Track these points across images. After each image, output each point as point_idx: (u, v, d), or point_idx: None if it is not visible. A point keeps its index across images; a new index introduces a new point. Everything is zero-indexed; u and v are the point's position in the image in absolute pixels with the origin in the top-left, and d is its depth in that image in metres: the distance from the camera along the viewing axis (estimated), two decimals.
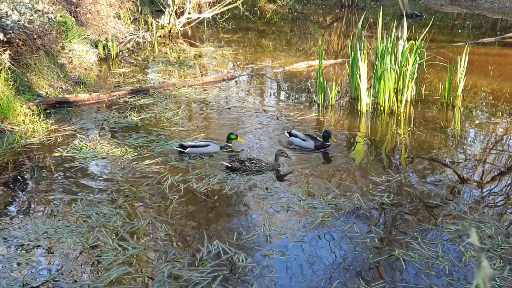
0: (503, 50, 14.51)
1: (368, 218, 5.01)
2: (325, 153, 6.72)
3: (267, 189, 5.65)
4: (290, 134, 7.09)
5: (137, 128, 7.75)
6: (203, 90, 10.00)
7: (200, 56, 13.67)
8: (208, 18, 18.87)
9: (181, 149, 6.69)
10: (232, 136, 6.88)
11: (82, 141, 7.08)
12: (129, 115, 8.30)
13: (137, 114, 8.32)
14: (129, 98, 9.30)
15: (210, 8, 18.39)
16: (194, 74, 11.61)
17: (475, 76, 10.79)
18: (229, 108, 8.79)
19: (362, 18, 9.17)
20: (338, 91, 9.34)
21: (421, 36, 8.51)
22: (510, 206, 5.17)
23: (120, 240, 4.65)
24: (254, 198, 5.46)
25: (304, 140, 6.92)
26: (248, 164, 6.12)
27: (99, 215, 5.08)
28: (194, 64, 12.61)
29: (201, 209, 5.27)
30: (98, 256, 4.41)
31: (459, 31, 19.29)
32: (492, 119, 8.01)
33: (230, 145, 6.92)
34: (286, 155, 6.20)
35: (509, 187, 5.60)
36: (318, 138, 6.96)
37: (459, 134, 7.36)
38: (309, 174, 6.08)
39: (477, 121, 7.94)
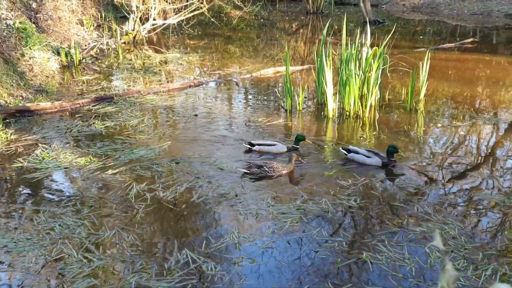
0: (463, 55, 15.02)
1: (336, 222, 5.06)
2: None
3: (236, 196, 5.62)
4: (348, 151, 6.59)
5: (102, 136, 7.58)
6: (169, 97, 9.90)
7: (165, 63, 13.54)
8: (174, 24, 18.73)
9: (249, 147, 6.93)
10: (300, 138, 6.91)
11: (44, 151, 6.86)
12: (93, 123, 8.12)
13: (102, 122, 8.14)
14: (93, 106, 9.09)
15: (176, 14, 18.26)
16: (160, 80, 11.48)
17: (436, 80, 11.11)
18: (196, 115, 8.72)
19: (327, 25, 9.32)
20: (305, 97, 9.42)
21: (384, 42, 8.71)
22: (472, 207, 5.33)
23: (85, 252, 4.52)
24: (223, 205, 5.42)
25: (368, 157, 6.44)
26: (267, 169, 6.13)
27: (62, 227, 4.93)
28: (159, 70, 12.47)
29: (169, 218, 5.18)
30: (62, 269, 4.27)
31: (421, 37, 19.86)
32: (454, 122, 8.26)
33: (298, 147, 6.97)
34: (300, 159, 6.32)
35: (471, 189, 5.77)
36: (381, 153, 6.49)
37: (422, 137, 7.54)
38: (278, 179, 6.09)
39: (439, 125, 8.17)
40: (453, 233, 4.75)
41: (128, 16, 16.79)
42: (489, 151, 6.98)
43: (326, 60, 8.60)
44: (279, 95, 10.06)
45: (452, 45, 16.66)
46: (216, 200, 5.54)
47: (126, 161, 6.59)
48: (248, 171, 6.16)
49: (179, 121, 8.42)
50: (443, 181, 6.04)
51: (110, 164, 6.48)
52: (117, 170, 6.28)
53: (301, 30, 23.50)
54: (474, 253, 4.43)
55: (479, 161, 6.61)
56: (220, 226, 5.01)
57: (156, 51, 15.09)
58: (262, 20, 25.64)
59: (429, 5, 32.81)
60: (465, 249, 4.49)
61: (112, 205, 5.40)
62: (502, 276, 4.11)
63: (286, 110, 9.02)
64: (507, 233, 4.80)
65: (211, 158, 6.76)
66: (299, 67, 12.85)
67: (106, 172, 6.21)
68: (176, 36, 18.67)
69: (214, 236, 4.81)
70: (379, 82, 8.87)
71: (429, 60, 8.91)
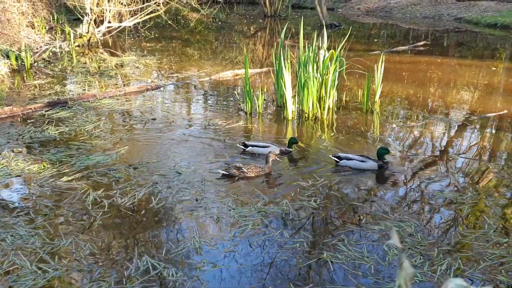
0: (416, 58, 15.54)
1: (297, 223, 5.09)
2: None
3: (196, 200, 5.56)
4: (339, 158, 6.51)
5: (56, 142, 7.33)
6: (126, 101, 9.69)
7: (122, 66, 13.26)
8: (130, 27, 18.39)
9: (243, 147, 7.03)
10: (293, 141, 6.92)
11: None
12: (47, 129, 7.83)
13: (55, 128, 7.87)
14: (46, 111, 8.78)
15: (132, 16, 17.93)
16: (116, 84, 11.23)
17: (391, 82, 11.43)
18: (154, 119, 8.58)
19: (285, 28, 9.40)
20: (264, 99, 9.47)
21: (341, 46, 8.88)
22: (428, 205, 5.50)
23: (39, 262, 4.34)
24: (183, 210, 5.35)
25: (363, 162, 6.39)
26: (245, 170, 6.12)
27: (15, 237, 4.72)
28: (115, 74, 12.21)
29: (128, 225, 5.06)
30: (14, 281, 4.08)
31: (375, 40, 20.40)
32: (408, 122, 8.52)
33: (291, 150, 6.96)
34: (276, 157, 6.31)
35: (426, 187, 5.96)
36: (371, 157, 6.49)
37: (378, 138, 7.73)
38: (239, 182, 6.07)
39: (394, 125, 8.40)
40: (409, 231, 4.89)
41: (82, 19, 16.35)
42: (442, 150, 7.24)
43: (284, 63, 8.67)
44: (238, 98, 10.06)
45: (405, 47, 17.21)
46: (176, 205, 5.47)
47: (82, 167, 6.39)
48: (227, 173, 6.15)
49: (137, 125, 8.26)
50: (398, 180, 6.20)
51: (65, 170, 6.27)
52: (72, 177, 6.08)
53: (259, 33, 23.63)
54: (430, 249, 4.58)
55: (432, 160, 6.84)
56: (180, 231, 4.94)
57: (112, 54, 14.76)
58: (220, 23, 25.60)
59: (383, 9, 33.78)
60: (421, 245, 4.63)
61: (68, 213, 5.22)
62: (456, 270, 4.26)
63: (246, 113, 9.03)
64: (461, 228, 4.98)
65: (170, 162, 6.66)
66: (258, 70, 12.90)
67: (61, 179, 6.00)
68: (132, 39, 18.34)
69: (174, 241, 4.73)
70: (336, 84, 9.03)
71: (383, 63, 9.15)
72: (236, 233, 4.88)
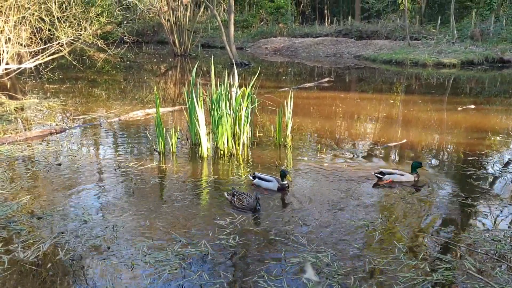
0: (321, 93, 16.38)
1: (216, 263, 4.96)
2: (169, 201, 6.53)
3: (108, 248, 5.21)
4: (382, 173, 7.33)
5: None
6: (27, 146, 9.03)
7: (22, 109, 12.43)
8: (31, 68, 17.42)
9: (252, 178, 7.17)
10: (283, 173, 6.88)
11: None
12: None
13: None
14: None
15: (33, 57, 17.02)
16: (16, 129, 10.45)
17: (301, 117, 11.89)
18: (59, 164, 8.05)
19: (196, 66, 9.46)
20: (178, 138, 9.32)
21: (251, 83, 9.10)
22: (341, 234, 5.65)
23: None
24: (94, 260, 4.97)
25: (402, 175, 7.28)
26: (234, 199, 6.17)
27: None
28: (15, 118, 11.39)
29: (32, 281, 4.59)
30: None
31: (284, 77, 21.26)
32: (318, 155, 8.83)
33: (285, 183, 6.87)
34: (258, 202, 6.18)
35: (339, 216, 6.14)
36: (405, 172, 7.39)
37: (292, 170, 7.90)
38: (154, 225, 5.82)
39: (306, 158, 8.66)
40: (326, 261, 4.97)
41: None
42: (351, 179, 7.56)
43: (197, 100, 8.66)
44: (150, 138, 9.81)
45: (311, 84, 18.12)
46: (86, 255, 5.08)
47: None
48: (228, 198, 6.37)
49: (40, 172, 7.68)
50: (313, 211, 6.34)
51: None
52: None
53: (170, 72, 23.57)
54: (346, 277, 4.67)
55: (343, 190, 7.11)
56: (93, 282, 4.57)
57: (11, 97, 13.81)
58: (128, 62, 25.17)
59: (288, 48, 35.54)
60: (338, 274, 4.71)
61: None
62: None
63: (159, 153, 8.80)
64: (373, 254, 5.16)
65: (77, 209, 6.23)
66: (170, 108, 12.76)
67: None
68: (34, 81, 17.36)
69: None
70: (249, 120, 9.18)
71: (292, 99, 9.50)
72: (152, 279, 4.62)
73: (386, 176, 7.34)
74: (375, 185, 7.28)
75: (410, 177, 7.36)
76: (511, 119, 12.45)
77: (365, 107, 14.15)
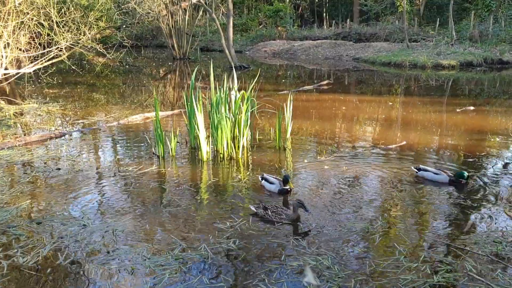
0: (321, 96, 16.39)
1: (216, 267, 4.94)
2: (173, 205, 6.52)
3: (108, 252, 5.20)
4: (419, 169, 7.49)
5: None
6: (27, 151, 9.02)
7: (21, 114, 12.43)
8: (30, 73, 17.43)
9: (261, 178, 7.17)
10: (286, 179, 6.86)
11: None
12: None
13: None
14: None
15: (32, 62, 17.03)
16: (15, 134, 10.45)
17: (300, 120, 11.89)
18: (58, 169, 8.03)
19: (195, 70, 9.47)
20: (178, 142, 9.32)
21: (251, 86, 9.10)
22: (342, 236, 5.63)
23: None
24: (94, 264, 4.96)
25: (436, 174, 7.31)
26: (270, 213, 5.94)
27: None
28: (14, 123, 11.39)
29: (32, 287, 4.57)
30: None
31: (283, 80, 21.28)
32: (318, 157, 8.83)
33: (287, 188, 6.86)
34: (304, 207, 5.95)
35: (338, 219, 6.12)
36: (448, 172, 7.41)
37: (292, 173, 7.89)
38: (153, 229, 5.80)
39: (305, 160, 8.65)
40: (327, 263, 4.95)
41: None
42: (351, 181, 7.55)
43: (196, 104, 8.66)
44: (150, 142, 9.81)
45: (310, 87, 18.13)
46: (86, 259, 5.06)
47: None
48: (255, 211, 6.11)
49: (40, 177, 7.67)
50: (313, 214, 6.32)
51: None
52: None
53: (169, 76, 23.60)
54: (347, 280, 4.65)
55: (343, 192, 7.10)
56: (93, 287, 4.56)
57: (10, 102, 13.81)
58: (127, 66, 25.20)
59: (287, 51, 35.58)
60: (339, 277, 4.69)
61: None
62: None
63: (158, 157, 8.80)
64: (374, 257, 5.15)
65: (77, 214, 6.22)
66: (169, 112, 12.77)
67: None
68: (33, 86, 17.37)
69: None
70: (249, 123, 9.17)
71: (292, 102, 9.50)
72: (153, 284, 4.61)
73: (420, 173, 7.52)
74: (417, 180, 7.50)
75: (444, 178, 7.33)
76: (510, 120, 12.46)
77: (364, 109, 14.15)
